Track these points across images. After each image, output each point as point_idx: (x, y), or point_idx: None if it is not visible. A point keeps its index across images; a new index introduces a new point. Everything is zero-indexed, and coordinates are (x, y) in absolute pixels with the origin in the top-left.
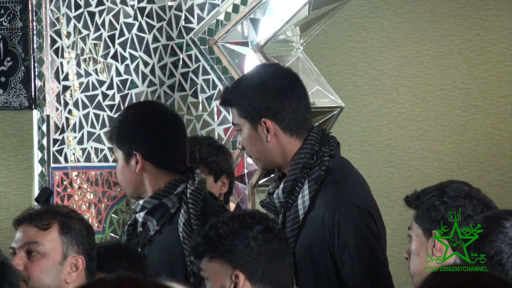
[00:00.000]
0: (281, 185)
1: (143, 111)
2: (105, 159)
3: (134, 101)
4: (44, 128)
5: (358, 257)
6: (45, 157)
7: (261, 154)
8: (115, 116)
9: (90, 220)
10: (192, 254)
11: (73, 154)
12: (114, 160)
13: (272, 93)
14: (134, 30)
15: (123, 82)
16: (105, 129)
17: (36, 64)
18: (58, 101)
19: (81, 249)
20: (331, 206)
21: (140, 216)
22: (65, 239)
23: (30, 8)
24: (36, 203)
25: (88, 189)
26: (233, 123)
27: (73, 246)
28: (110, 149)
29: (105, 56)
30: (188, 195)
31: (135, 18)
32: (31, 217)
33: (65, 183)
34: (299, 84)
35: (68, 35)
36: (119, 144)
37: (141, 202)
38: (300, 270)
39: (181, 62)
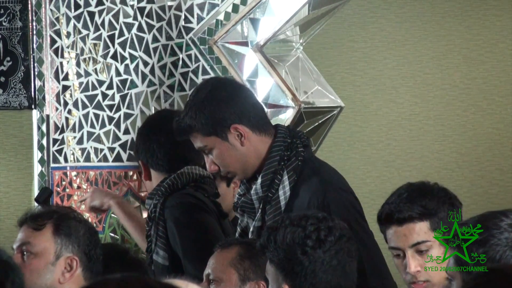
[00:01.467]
0: (259, 180)
1: (146, 121)
2: (105, 159)
3: (134, 101)
4: (43, 128)
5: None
6: (45, 157)
7: (239, 162)
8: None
9: (89, 220)
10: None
11: (73, 154)
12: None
13: (226, 100)
14: (134, 30)
15: (123, 82)
16: (105, 129)
17: (35, 64)
18: (58, 101)
19: (77, 249)
20: (317, 192)
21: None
22: (59, 239)
23: (29, 8)
24: (36, 203)
25: (88, 189)
26: (200, 149)
27: (67, 247)
28: (110, 149)
29: (104, 56)
30: (161, 187)
31: (135, 18)
32: (27, 218)
33: (64, 183)
34: (241, 84)
35: (68, 35)
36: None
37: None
38: None
39: (180, 62)
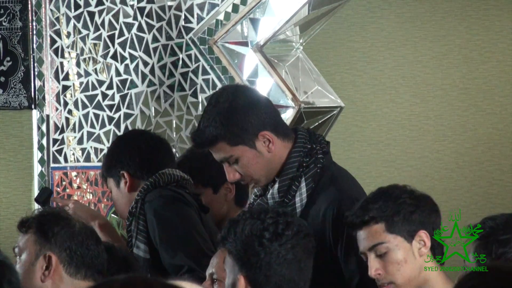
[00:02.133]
0: (276, 185)
1: (125, 134)
2: None
3: (133, 101)
4: (43, 128)
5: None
6: (45, 157)
7: (264, 169)
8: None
9: None
10: (217, 243)
11: (73, 154)
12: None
13: (250, 107)
14: (134, 30)
15: (123, 82)
16: (105, 129)
17: (35, 64)
18: (58, 101)
19: (55, 247)
20: (333, 201)
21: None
22: (38, 239)
23: (29, 8)
24: (36, 203)
25: (88, 189)
26: (225, 159)
27: (45, 245)
28: None
29: (104, 56)
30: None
31: (135, 18)
32: (18, 223)
33: (64, 183)
34: (257, 91)
35: (68, 35)
36: (108, 173)
37: None
38: None
39: (180, 62)
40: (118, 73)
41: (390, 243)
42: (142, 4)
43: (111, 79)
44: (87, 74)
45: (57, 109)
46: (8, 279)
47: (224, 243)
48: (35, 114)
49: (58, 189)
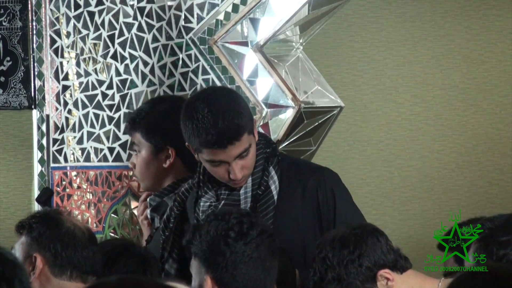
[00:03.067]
0: (250, 181)
1: (175, 106)
2: (105, 159)
3: (133, 101)
4: (43, 128)
5: (356, 210)
6: (45, 157)
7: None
8: (138, 108)
9: (89, 220)
10: (185, 248)
11: (73, 154)
12: (132, 150)
13: (240, 97)
14: (134, 30)
15: (123, 81)
16: (105, 129)
17: (35, 64)
18: (58, 101)
19: (40, 247)
20: (313, 173)
21: (148, 212)
22: (28, 240)
23: (29, 8)
24: (37, 203)
25: (88, 189)
26: (240, 153)
27: (32, 246)
28: (110, 149)
29: (104, 56)
30: (179, 193)
31: (135, 18)
32: (16, 225)
33: (64, 183)
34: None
35: (68, 35)
36: (148, 136)
37: (148, 199)
38: (287, 244)
39: (180, 62)
40: (118, 73)
41: None
42: (142, 4)
43: (111, 79)
44: (87, 74)
45: (57, 109)
46: (19, 278)
47: (189, 247)
48: (35, 114)
49: (58, 188)
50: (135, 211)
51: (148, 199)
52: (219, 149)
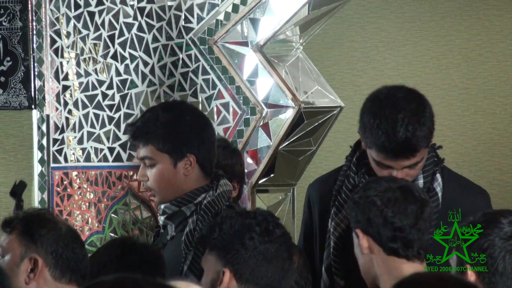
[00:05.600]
0: (421, 182)
1: (185, 111)
2: (105, 159)
3: (134, 101)
4: (43, 128)
5: None
6: (45, 157)
7: None
8: (142, 120)
9: (90, 220)
10: (197, 243)
11: (73, 154)
12: (142, 161)
13: None
14: (134, 30)
15: (123, 82)
16: (105, 129)
17: (35, 64)
18: (58, 101)
19: (40, 249)
20: (473, 196)
21: (161, 219)
22: (24, 241)
23: (30, 8)
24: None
25: (88, 189)
26: (417, 162)
27: (30, 247)
28: (110, 149)
29: (104, 56)
30: (202, 206)
31: (135, 18)
32: (2, 223)
33: (65, 183)
34: None
35: (68, 35)
36: (165, 147)
37: (162, 206)
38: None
39: (180, 62)
40: (118, 73)
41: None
42: (142, 4)
43: (111, 79)
44: (87, 74)
45: (57, 109)
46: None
47: (204, 242)
48: (35, 114)
49: (58, 189)
50: (135, 212)
51: (163, 206)
52: (390, 158)
